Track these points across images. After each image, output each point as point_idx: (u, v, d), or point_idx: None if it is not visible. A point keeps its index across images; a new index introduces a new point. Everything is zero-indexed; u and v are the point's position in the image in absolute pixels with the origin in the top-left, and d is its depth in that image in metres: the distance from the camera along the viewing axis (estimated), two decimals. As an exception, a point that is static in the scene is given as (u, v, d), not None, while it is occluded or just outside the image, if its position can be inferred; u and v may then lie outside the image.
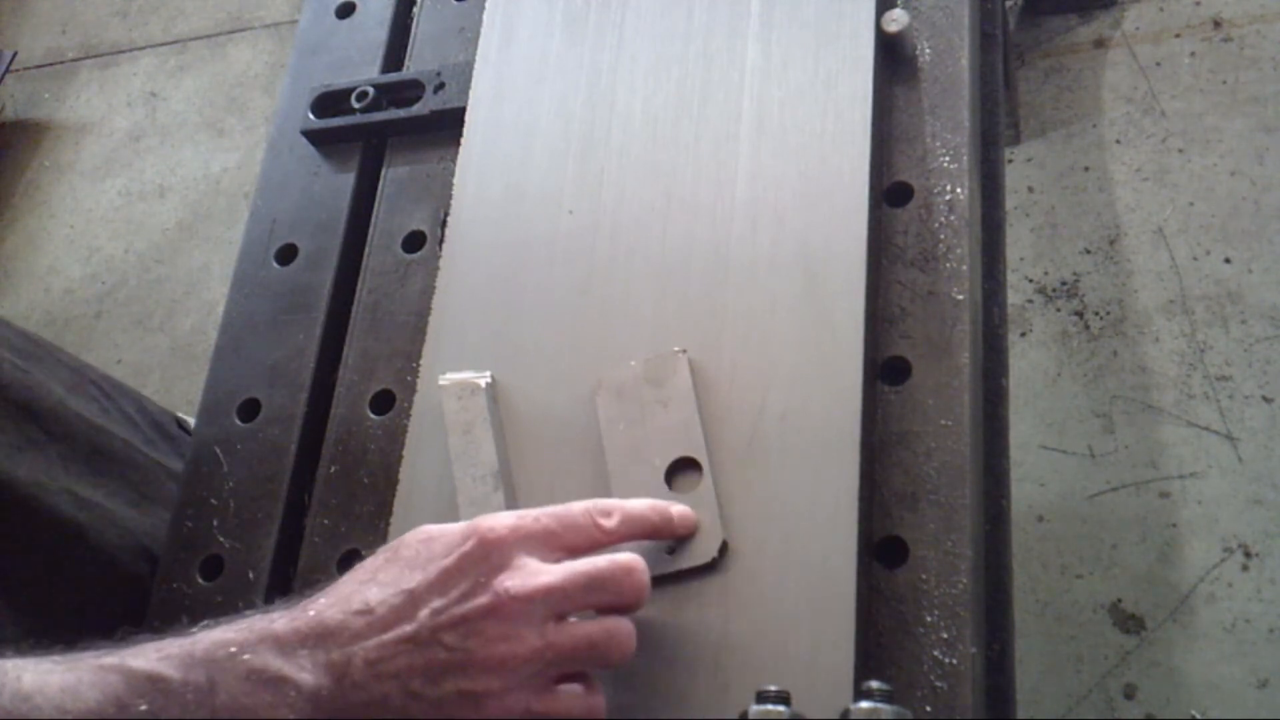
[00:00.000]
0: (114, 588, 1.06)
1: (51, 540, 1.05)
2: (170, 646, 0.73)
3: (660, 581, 0.83)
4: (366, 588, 0.75)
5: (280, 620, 0.74)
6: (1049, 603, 1.89)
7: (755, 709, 0.71)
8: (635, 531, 0.80)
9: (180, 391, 2.62)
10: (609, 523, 0.78)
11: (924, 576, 0.81)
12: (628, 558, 0.77)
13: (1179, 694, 1.78)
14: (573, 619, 0.76)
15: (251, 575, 0.98)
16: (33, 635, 0.96)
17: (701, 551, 0.83)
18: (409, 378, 1.00)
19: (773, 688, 0.71)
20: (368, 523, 0.97)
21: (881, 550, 0.83)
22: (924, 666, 0.78)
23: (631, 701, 0.80)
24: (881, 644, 0.80)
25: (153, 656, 0.72)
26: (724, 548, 0.83)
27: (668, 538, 0.82)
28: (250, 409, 1.06)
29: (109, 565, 1.07)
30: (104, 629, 0.92)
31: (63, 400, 1.13)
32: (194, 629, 0.75)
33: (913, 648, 0.79)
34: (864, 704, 0.70)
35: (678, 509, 0.82)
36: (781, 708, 0.70)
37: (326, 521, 0.98)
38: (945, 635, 0.78)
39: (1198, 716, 1.75)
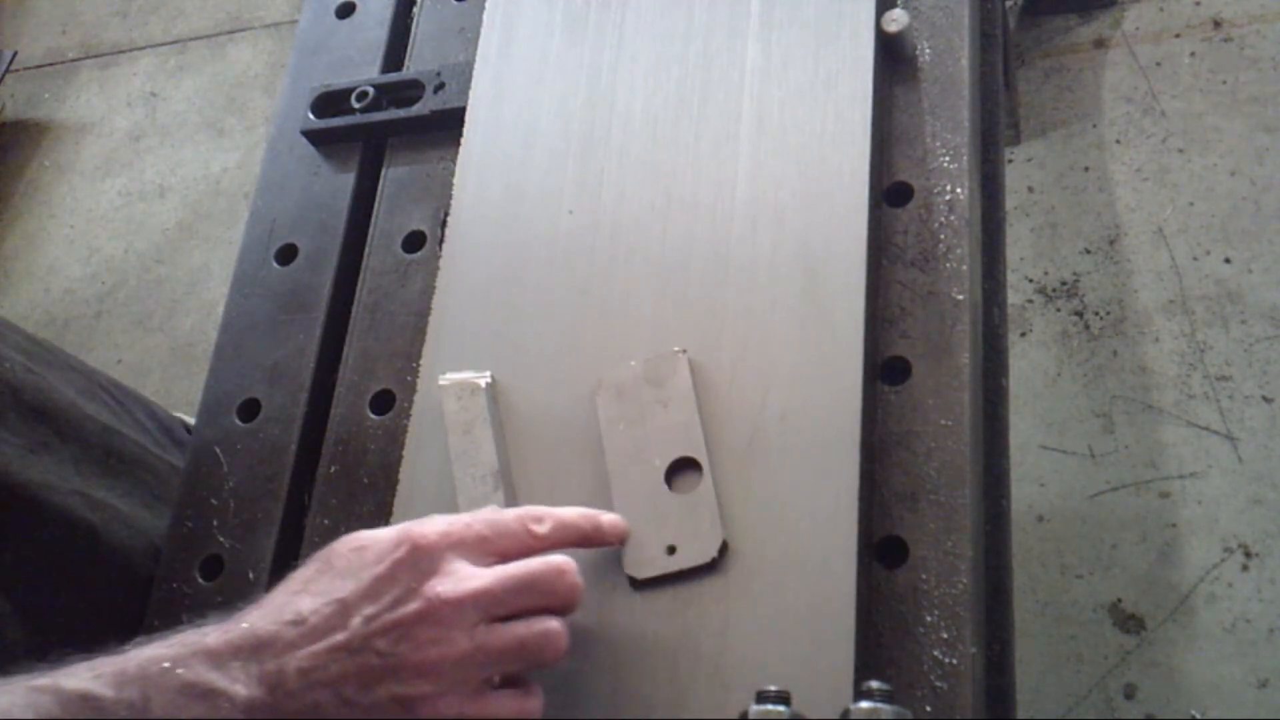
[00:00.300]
0: (126, 588, 1.06)
1: (64, 541, 1.06)
2: (103, 665, 0.74)
3: (660, 581, 0.83)
4: (299, 598, 0.75)
5: (213, 634, 0.75)
6: (1049, 603, 1.89)
7: (755, 709, 0.71)
8: (566, 538, 0.81)
9: (180, 391, 2.62)
10: (540, 529, 0.79)
11: (924, 576, 0.81)
12: (559, 559, 0.78)
13: (1179, 694, 1.78)
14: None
15: (251, 575, 0.98)
16: (44, 635, 0.96)
17: (701, 551, 0.83)
18: (409, 378, 1.00)
19: (773, 688, 0.71)
20: (368, 523, 0.97)
21: (881, 550, 0.83)
22: (924, 666, 0.78)
23: (631, 702, 0.80)
24: (881, 644, 0.80)
25: (86, 676, 0.73)
26: (724, 548, 0.83)
27: (598, 545, 0.83)
28: (250, 409, 1.06)
29: (121, 566, 1.07)
30: (116, 629, 0.93)
31: (75, 403, 1.13)
32: (126, 647, 0.75)
33: (913, 648, 0.79)
34: (864, 704, 0.70)
35: (608, 518, 0.83)
36: (781, 708, 0.70)
37: (326, 521, 0.98)
38: (945, 635, 0.78)
39: (1198, 716, 1.75)
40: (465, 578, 0.75)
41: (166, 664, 0.73)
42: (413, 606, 0.73)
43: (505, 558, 0.78)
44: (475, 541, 0.77)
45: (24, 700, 0.71)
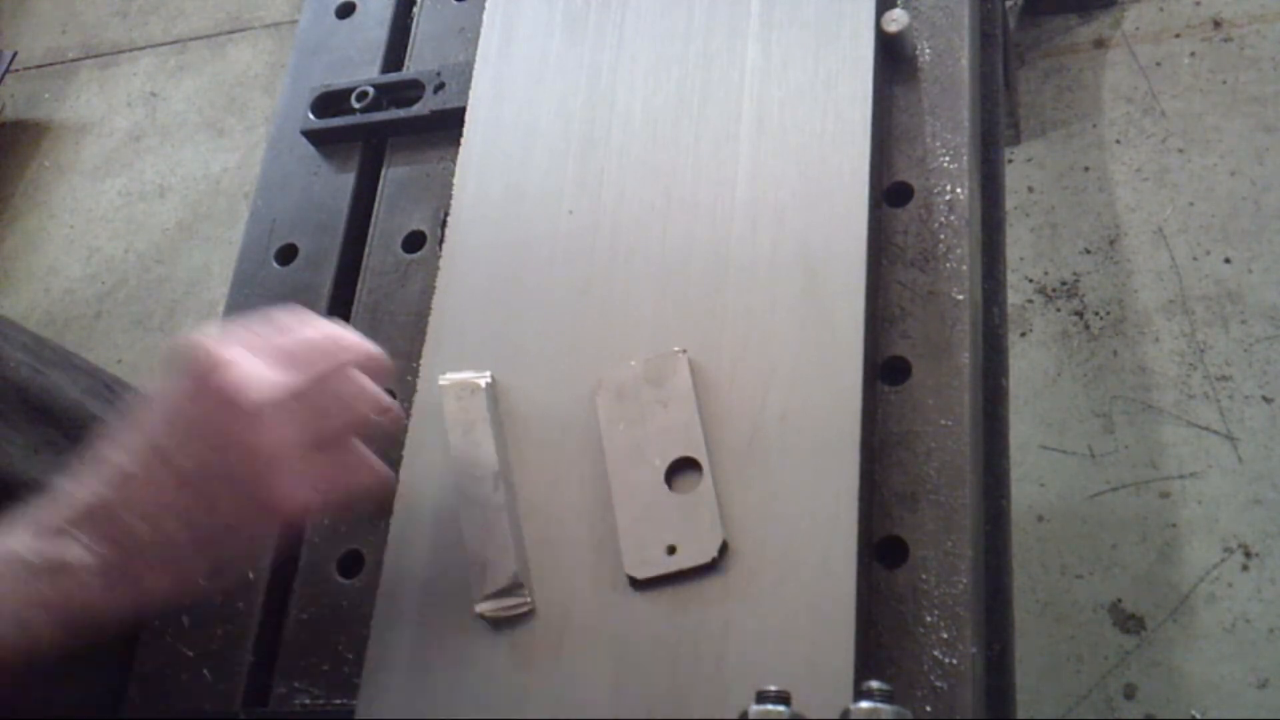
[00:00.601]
0: None
1: None
2: None
3: (660, 581, 0.83)
4: (115, 454, 0.77)
5: (43, 513, 0.76)
6: (1049, 603, 1.89)
7: (755, 709, 0.71)
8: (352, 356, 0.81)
9: (180, 391, 2.61)
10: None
11: (924, 576, 0.81)
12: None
13: (1179, 694, 1.78)
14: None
15: (251, 575, 0.98)
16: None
17: (701, 551, 0.83)
18: (409, 378, 1.00)
19: (773, 688, 0.71)
20: (368, 522, 0.97)
21: (881, 550, 0.83)
22: (924, 666, 0.78)
23: (631, 702, 0.80)
24: (881, 644, 0.80)
25: None
26: (724, 548, 0.83)
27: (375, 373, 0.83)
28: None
29: None
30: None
31: (80, 402, 1.13)
32: None
33: (913, 648, 0.79)
34: (864, 704, 0.70)
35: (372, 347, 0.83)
36: (781, 708, 0.70)
37: (326, 521, 0.98)
38: (945, 635, 0.78)
39: (1198, 716, 1.75)
40: (260, 377, 0.76)
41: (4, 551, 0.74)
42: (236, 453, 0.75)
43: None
44: (265, 348, 0.79)
45: None
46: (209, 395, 0.75)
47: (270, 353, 0.78)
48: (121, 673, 0.98)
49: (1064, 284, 2.15)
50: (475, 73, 1.09)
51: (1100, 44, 2.34)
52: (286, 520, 0.77)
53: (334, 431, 0.79)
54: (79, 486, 0.76)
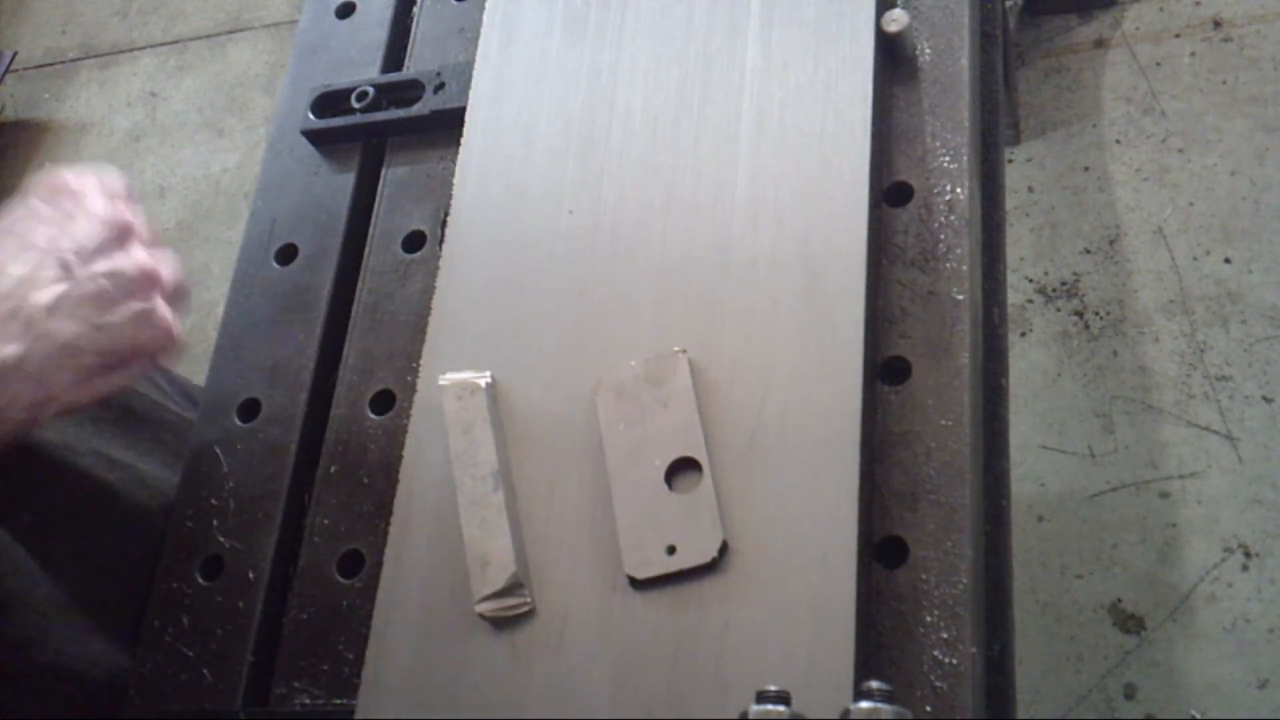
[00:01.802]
0: (146, 547, 1.05)
1: (83, 502, 1.05)
2: None
3: (660, 581, 0.83)
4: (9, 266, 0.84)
5: None
6: (1049, 603, 1.89)
7: (755, 709, 0.71)
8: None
9: (180, 391, 2.62)
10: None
11: (924, 576, 0.81)
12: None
13: (1179, 694, 1.78)
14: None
15: (251, 575, 0.98)
16: (69, 594, 0.97)
17: (701, 551, 0.83)
18: (409, 378, 1.00)
19: (773, 688, 0.71)
20: (368, 523, 0.97)
21: (881, 550, 0.83)
22: (924, 666, 0.78)
23: (632, 701, 0.80)
24: (881, 644, 0.80)
25: None
26: (724, 548, 0.83)
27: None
28: (250, 409, 1.06)
29: (141, 525, 1.07)
30: (137, 588, 0.95)
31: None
32: None
33: (913, 648, 0.79)
34: (864, 704, 0.70)
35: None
36: (781, 708, 0.70)
37: (326, 521, 0.98)
38: (945, 635, 0.78)
39: (1198, 716, 1.75)
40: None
41: None
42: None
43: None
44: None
45: None
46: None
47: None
48: (133, 633, 0.99)
49: (1064, 284, 2.15)
50: (475, 73, 1.09)
51: (1100, 44, 2.34)
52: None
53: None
54: None
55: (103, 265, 0.85)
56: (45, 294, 0.82)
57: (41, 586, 0.99)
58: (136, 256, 0.87)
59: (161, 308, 0.87)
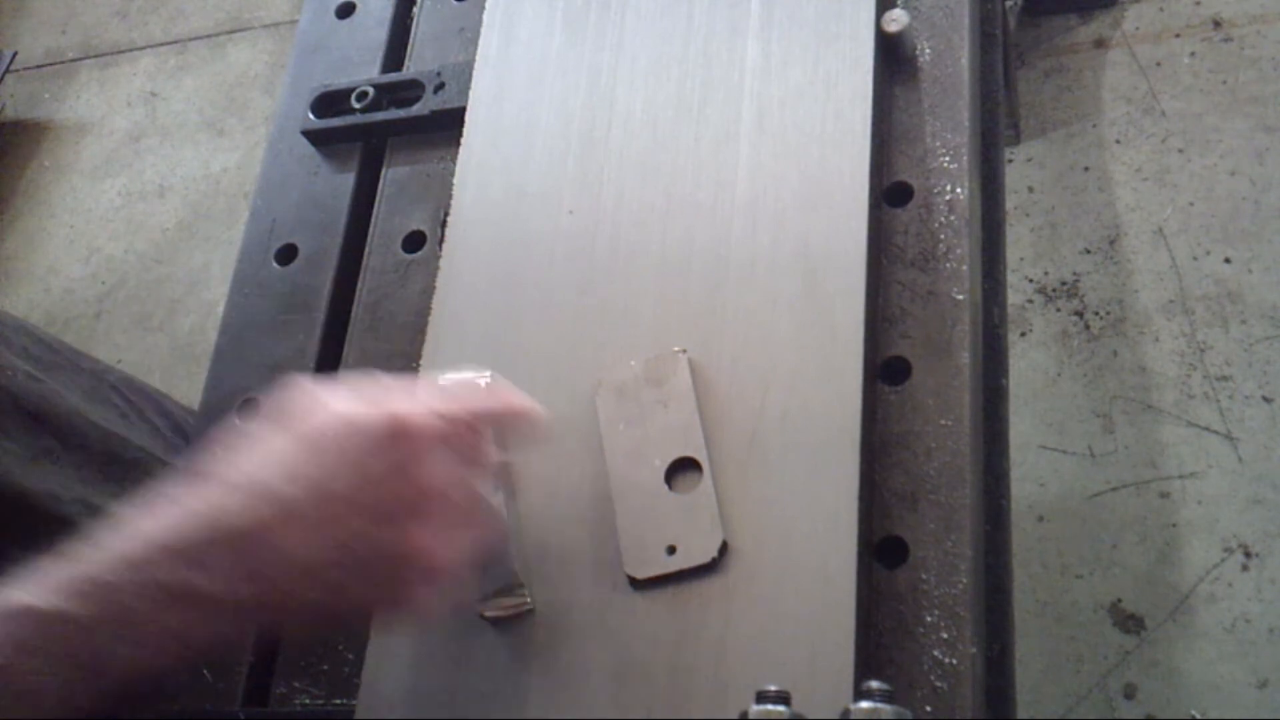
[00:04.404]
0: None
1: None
2: (61, 574, 0.69)
3: (660, 581, 0.83)
4: (282, 483, 0.71)
5: (182, 526, 0.70)
6: (1049, 603, 1.89)
7: (755, 709, 0.71)
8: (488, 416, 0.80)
9: (180, 392, 2.61)
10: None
11: (924, 576, 0.81)
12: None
13: (1179, 694, 1.78)
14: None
15: (251, 575, 0.98)
16: None
17: (701, 551, 0.83)
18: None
19: (773, 688, 0.71)
20: (368, 523, 0.97)
21: (881, 550, 0.83)
22: (924, 666, 0.78)
23: (631, 702, 0.80)
24: (881, 644, 0.80)
25: (53, 588, 0.69)
26: (724, 548, 0.83)
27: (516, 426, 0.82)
28: (250, 409, 1.05)
29: None
30: None
31: (79, 409, 1.13)
32: (89, 549, 0.71)
33: (913, 648, 0.79)
34: (864, 704, 0.69)
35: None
36: (781, 708, 0.70)
37: (326, 521, 0.98)
38: (945, 635, 0.78)
39: (1198, 716, 1.75)
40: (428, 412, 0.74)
41: (139, 569, 0.68)
42: (409, 496, 0.71)
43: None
44: (453, 433, 0.75)
45: None
46: (370, 427, 0.72)
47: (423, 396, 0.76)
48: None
49: (1064, 284, 2.15)
50: (475, 73, 1.09)
51: (1100, 44, 2.34)
52: (418, 573, 0.72)
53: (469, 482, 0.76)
54: (219, 508, 0.70)
55: (389, 532, 0.71)
56: (295, 521, 0.70)
57: None
58: (415, 538, 0.72)
59: (415, 591, 0.73)
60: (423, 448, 0.73)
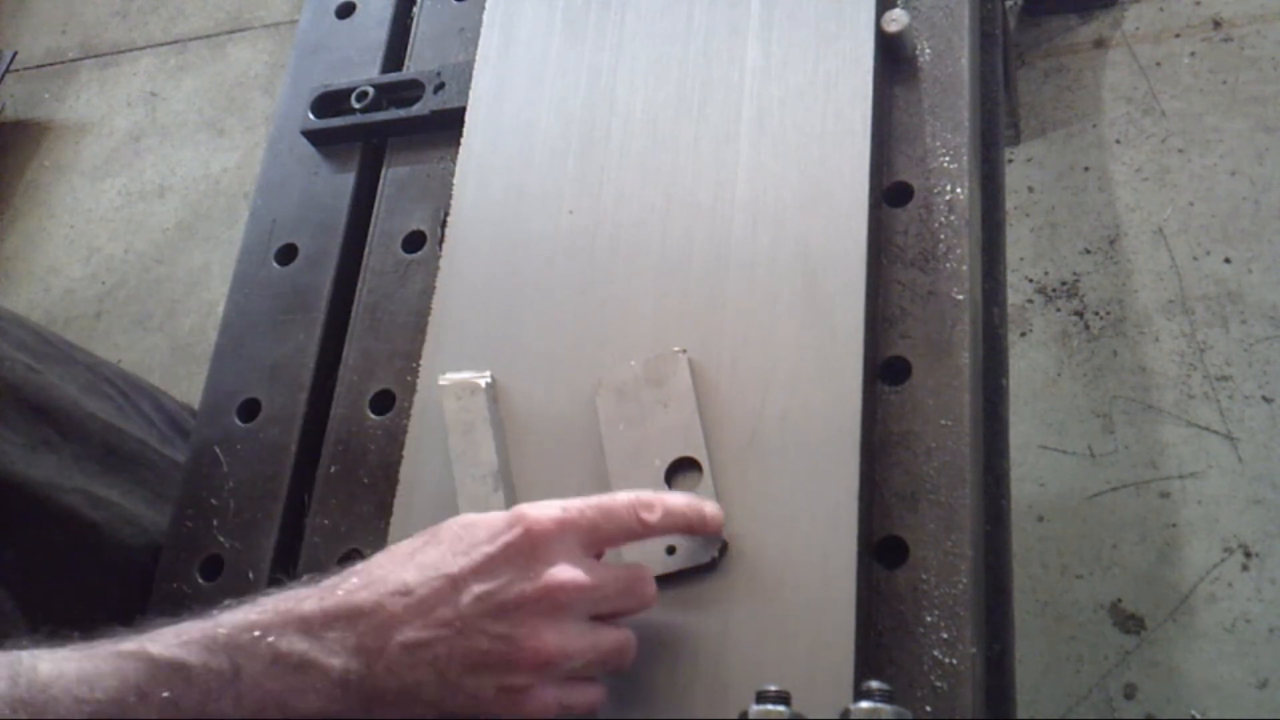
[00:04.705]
0: (129, 586, 1.06)
1: (67, 540, 1.05)
2: (191, 631, 0.71)
3: (660, 581, 0.83)
4: (404, 569, 0.72)
5: (308, 601, 0.72)
6: (1049, 603, 1.89)
7: (755, 709, 0.71)
8: (673, 526, 0.79)
9: (180, 391, 2.61)
10: (651, 517, 0.77)
11: (924, 576, 0.81)
12: (643, 567, 0.78)
13: (1179, 694, 1.78)
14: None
15: (251, 575, 0.98)
16: (51, 634, 0.97)
17: (701, 551, 0.83)
18: (409, 378, 1.00)
19: (773, 688, 0.71)
20: (368, 523, 0.97)
21: (881, 550, 0.83)
22: (924, 666, 0.78)
23: (632, 701, 0.80)
24: (881, 644, 0.80)
25: (172, 642, 0.71)
26: (724, 548, 0.83)
27: (700, 534, 0.82)
28: (250, 409, 1.06)
29: (125, 564, 1.07)
30: (118, 626, 0.93)
31: (77, 400, 1.13)
32: (215, 611, 0.73)
33: (913, 648, 0.79)
34: (864, 704, 0.69)
35: (710, 507, 0.81)
36: (781, 708, 0.70)
37: (326, 521, 0.98)
38: (945, 635, 0.78)
39: (1198, 716, 1.75)
40: (580, 569, 0.73)
41: (258, 632, 0.70)
42: (529, 588, 0.71)
43: (611, 544, 0.77)
44: (588, 528, 0.75)
45: (110, 667, 0.69)
46: (528, 557, 0.72)
47: (597, 547, 0.76)
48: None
49: (1064, 284, 2.15)
50: (475, 73, 1.09)
51: (1100, 44, 2.34)
52: (530, 666, 0.71)
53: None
54: (357, 585, 0.72)
55: (500, 625, 0.70)
56: (412, 632, 0.70)
57: (18, 626, 0.99)
58: (543, 634, 0.71)
59: (543, 695, 0.72)
60: (543, 538, 0.73)
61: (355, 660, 0.70)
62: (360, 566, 0.75)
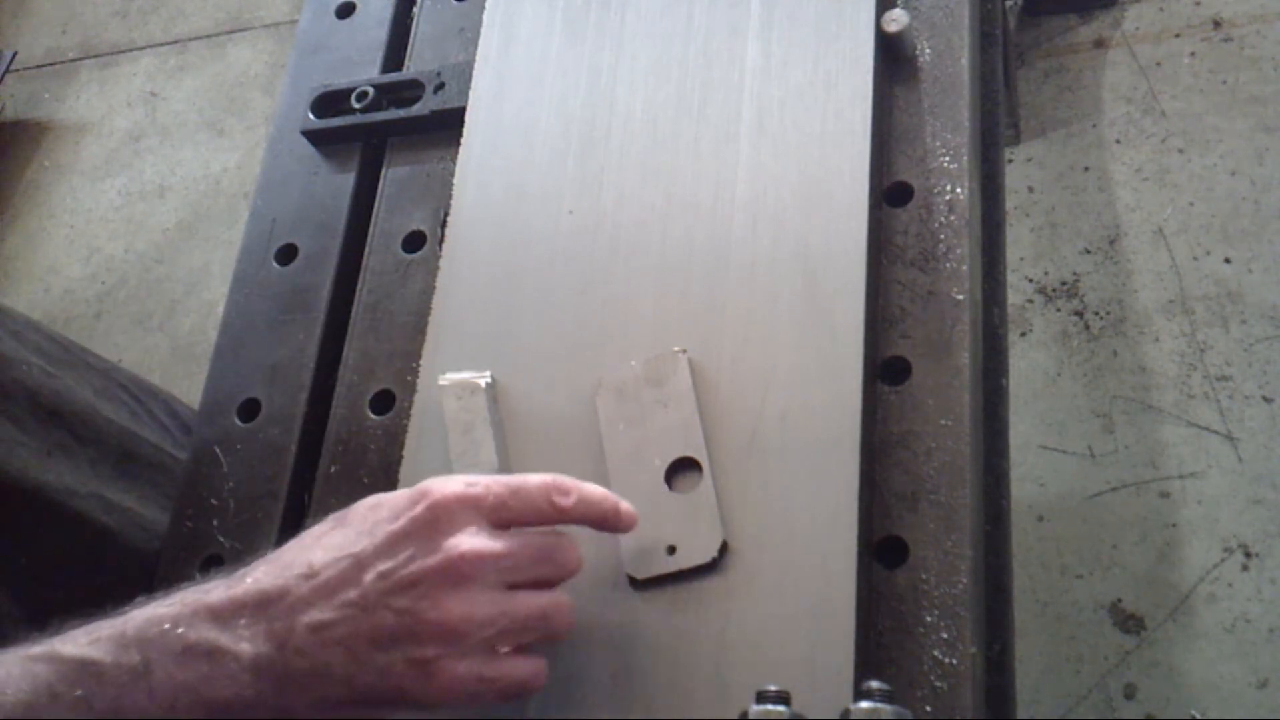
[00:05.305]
0: (140, 591, 1.06)
1: (81, 545, 1.05)
2: (101, 629, 0.72)
3: (660, 581, 0.83)
4: (309, 552, 0.73)
5: (215, 590, 0.73)
6: (1049, 603, 1.89)
7: (755, 709, 0.71)
8: (587, 515, 0.78)
9: (180, 392, 2.61)
10: (565, 501, 0.77)
11: (924, 576, 0.81)
12: (564, 535, 0.77)
13: (1179, 694, 1.78)
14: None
15: (251, 575, 0.98)
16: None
17: (701, 551, 0.83)
18: (409, 378, 1.00)
19: (773, 688, 0.71)
20: (368, 523, 0.97)
21: (881, 550, 0.83)
22: (924, 666, 0.78)
23: (631, 702, 0.80)
24: (881, 644, 0.80)
25: (83, 641, 0.71)
26: (724, 548, 0.83)
27: (610, 529, 0.80)
28: (250, 409, 1.06)
29: (136, 569, 1.07)
30: None
31: (92, 405, 1.13)
32: (125, 608, 0.73)
33: (913, 648, 0.79)
34: (864, 704, 0.69)
35: (625, 505, 0.80)
36: (781, 708, 0.70)
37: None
38: (945, 635, 0.78)
39: (1198, 716, 1.75)
40: (485, 538, 0.73)
41: (167, 625, 0.71)
42: (431, 561, 0.71)
43: (520, 523, 0.76)
44: (494, 505, 0.75)
45: (19, 670, 0.70)
46: (430, 531, 0.72)
47: (504, 525, 0.76)
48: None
49: (1064, 284, 2.15)
50: (475, 73, 1.09)
51: (1100, 44, 2.34)
52: (441, 643, 0.71)
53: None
54: (264, 572, 0.73)
55: (402, 600, 0.71)
56: (317, 613, 0.71)
57: (24, 633, 0.99)
58: (446, 605, 0.71)
59: (454, 667, 0.71)
60: (445, 512, 0.73)
61: (265, 645, 0.70)
62: (270, 555, 0.75)
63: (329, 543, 0.74)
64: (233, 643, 0.70)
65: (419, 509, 0.73)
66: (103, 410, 1.14)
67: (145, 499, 1.12)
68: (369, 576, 0.71)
